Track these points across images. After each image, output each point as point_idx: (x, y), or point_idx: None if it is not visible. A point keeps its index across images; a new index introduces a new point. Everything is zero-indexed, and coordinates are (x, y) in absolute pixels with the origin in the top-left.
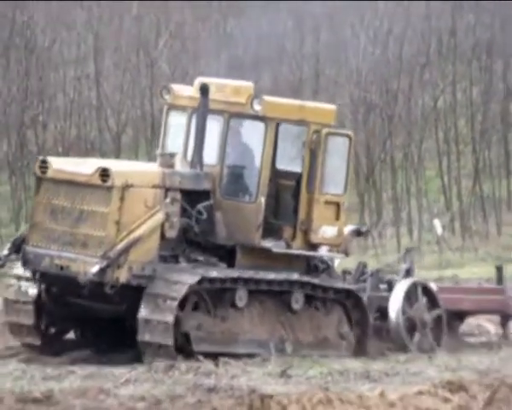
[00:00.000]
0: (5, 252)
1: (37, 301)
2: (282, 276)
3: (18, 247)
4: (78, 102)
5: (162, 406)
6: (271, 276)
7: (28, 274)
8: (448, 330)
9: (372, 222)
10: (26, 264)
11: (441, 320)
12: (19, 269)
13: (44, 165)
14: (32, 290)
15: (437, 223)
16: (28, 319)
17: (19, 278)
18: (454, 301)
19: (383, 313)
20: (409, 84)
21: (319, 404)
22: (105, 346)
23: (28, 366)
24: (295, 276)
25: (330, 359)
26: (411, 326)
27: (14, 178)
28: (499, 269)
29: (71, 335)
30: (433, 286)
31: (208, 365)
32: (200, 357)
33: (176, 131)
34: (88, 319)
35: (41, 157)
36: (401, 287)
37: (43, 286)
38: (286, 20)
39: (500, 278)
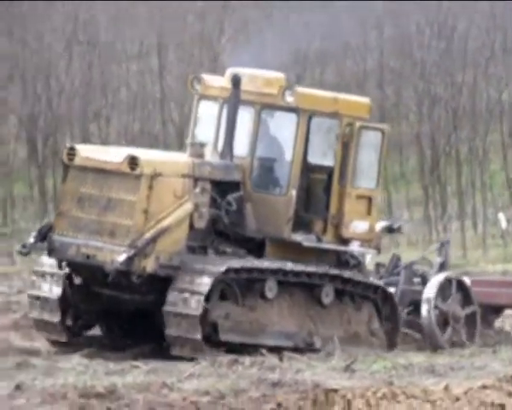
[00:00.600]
0: (31, 240)
1: (62, 298)
2: (311, 268)
3: (44, 235)
4: (142, 95)
5: (226, 400)
6: (300, 267)
7: (52, 270)
8: (484, 323)
9: (437, 215)
10: (51, 253)
11: (475, 316)
12: (43, 266)
13: (72, 152)
14: (57, 288)
15: (501, 217)
16: (53, 317)
17: (43, 274)
18: (490, 294)
19: (417, 306)
20: (473, 78)
21: (384, 398)
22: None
23: (91, 361)
24: (325, 268)
25: (394, 352)
26: (444, 321)
27: None
28: None
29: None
30: (467, 281)
31: (272, 359)
32: (264, 351)
33: (206, 121)
34: (114, 313)
35: (69, 144)
36: (434, 281)
37: (67, 281)
38: (349, 17)
39: None
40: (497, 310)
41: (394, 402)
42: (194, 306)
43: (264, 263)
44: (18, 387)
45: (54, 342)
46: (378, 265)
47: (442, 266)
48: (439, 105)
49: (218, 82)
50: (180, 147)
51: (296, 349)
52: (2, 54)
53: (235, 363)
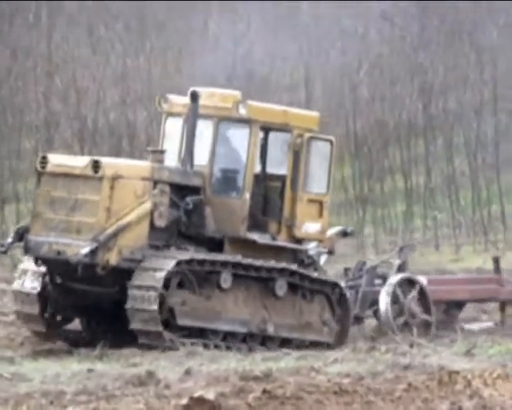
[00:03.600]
0: (9, 240)
1: (41, 292)
2: (259, 262)
3: (21, 236)
4: None
5: (365, 381)
6: (248, 261)
7: (33, 268)
8: (448, 318)
9: None
10: (27, 251)
11: (429, 312)
12: (25, 263)
13: (44, 160)
14: (36, 282)
15: None
16: (33, 309)
17: (25, 271)
18: (450, 291)
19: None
20: None
21: (498, 379)
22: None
23: (250, 352)
24: (272, 263)
25: (508, 339)
26: (399, 312)
27: None
28: (496, 260)
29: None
30: (423, 280)
31: (404, 346)
32: (397, 339)
33: (172, 136)
34: (91, 308)
35: (41, 154)
36: (391, 281)
37: (46, 277)
38: (468, 52)
39: (497, 268)
40: (459, 305)
41: (507, 382)
42: (152, 301)
43: (214, 256)
44: (187, 372)
45: (35, 333)
46: (346, 269)
47: (400, 268)
48: None
49: (182, 100)
50: None
51: (250, 335)
52: None
53: (373, 350)
